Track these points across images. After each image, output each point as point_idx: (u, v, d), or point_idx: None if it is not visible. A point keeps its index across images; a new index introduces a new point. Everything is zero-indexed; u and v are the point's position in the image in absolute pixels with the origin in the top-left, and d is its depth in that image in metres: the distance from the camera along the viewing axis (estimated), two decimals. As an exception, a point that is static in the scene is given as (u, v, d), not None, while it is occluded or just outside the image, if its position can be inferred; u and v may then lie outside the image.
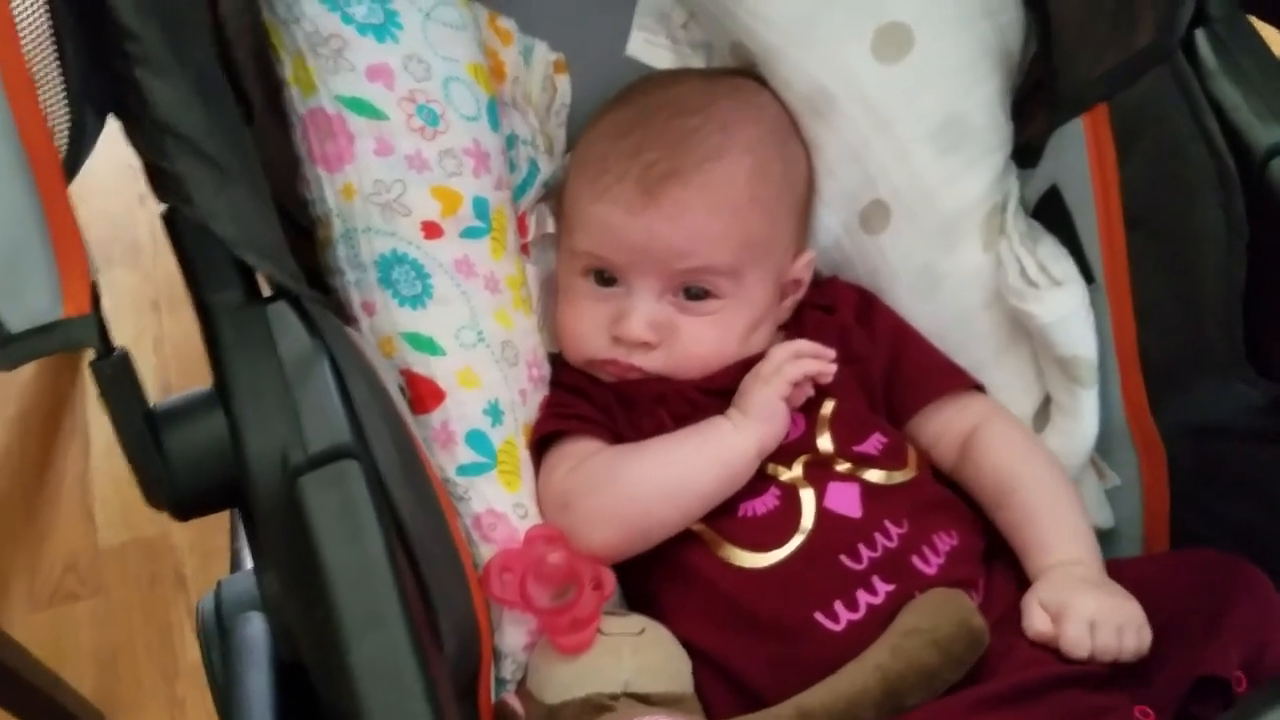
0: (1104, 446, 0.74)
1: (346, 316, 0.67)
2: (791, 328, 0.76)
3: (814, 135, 0.76)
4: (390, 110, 0.66)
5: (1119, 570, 0.66)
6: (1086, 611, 0.60)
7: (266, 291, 0.56)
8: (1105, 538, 0.76)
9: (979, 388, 0.74)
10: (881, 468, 0.69)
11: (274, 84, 0.68)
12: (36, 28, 0.48)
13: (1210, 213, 0.64)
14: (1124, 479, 0.75)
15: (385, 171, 0.66)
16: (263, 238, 0.54)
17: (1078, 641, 0.59)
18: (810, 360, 0.69)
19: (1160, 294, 0.69)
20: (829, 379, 0.70)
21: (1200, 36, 0.65)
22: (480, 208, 0.69)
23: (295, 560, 0.49)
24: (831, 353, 0.71)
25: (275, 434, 0.51)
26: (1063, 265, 0.72)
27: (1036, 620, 0.61)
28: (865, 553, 0.65)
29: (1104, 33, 0.69)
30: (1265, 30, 0.68)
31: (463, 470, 0.67)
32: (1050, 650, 0.61)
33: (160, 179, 0.52)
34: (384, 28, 0.67)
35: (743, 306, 0.71)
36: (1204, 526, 0.72)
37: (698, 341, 0.71)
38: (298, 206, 0.68)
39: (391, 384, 0.63)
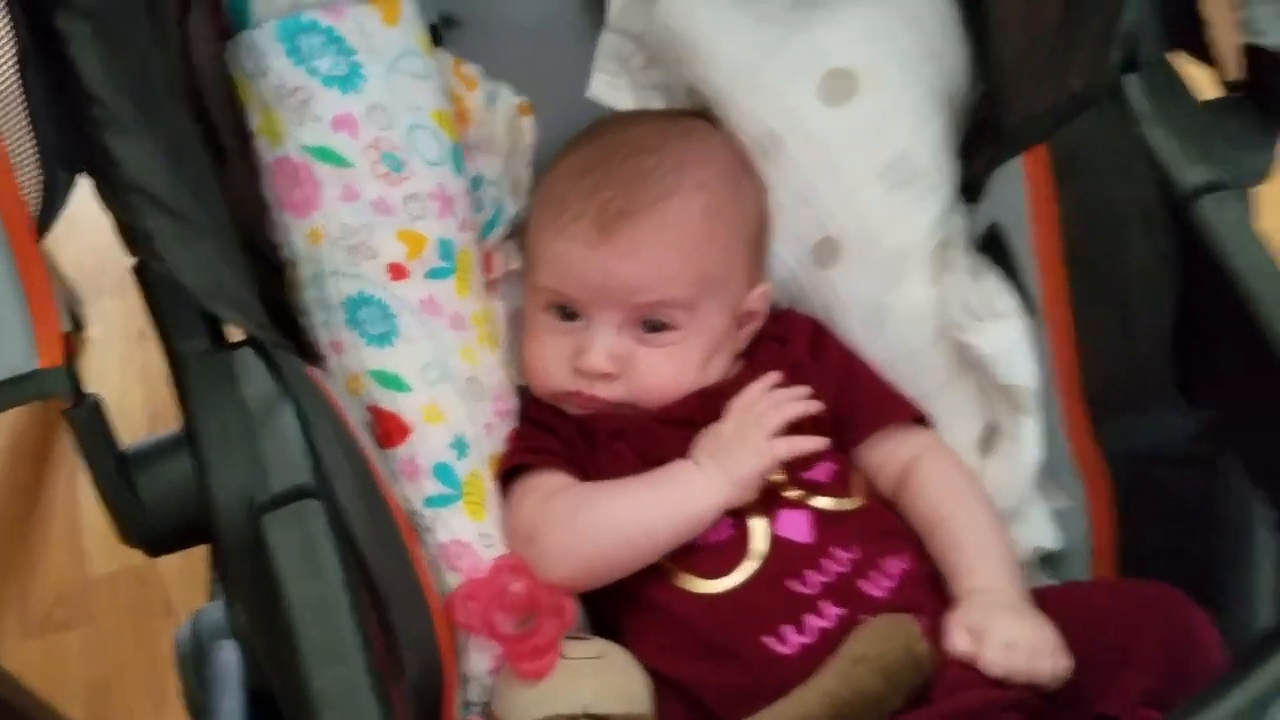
0: (1051, 470, 0.77)
1: (315, 355, 0.70)
2: (748, 358, 0.79)
3: (765, 175, 0.79)
4: (355, 158, 0.69)
5: (1045, 597, 0.69)
6: (1004, 634, 0.63)
7: (238, 336, 0.59)
8: (1055, 559, 0.79)
9: (923, 418, 0.77)
10: (830, 495, 0.72)
11: (245, 132, 0.71)
12: (7, 93, 0.51)
13: (1140, 250, 0.67)
14: (1069, 504, 0.77)
15: (351, 216, 0.69)
16: (228, 287, 0.57)
17: (994, 662, 0.62)
18: (805, 441, 0.70)
19: (1097, 327, 0.72)
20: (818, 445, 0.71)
21: (1130, 81, 0.68)
22: (445, 249, 0.72)
23: (260, 594, 0.52)
24: (819, 405, 0.73)
25: (239, 475, 0.53)
26: (1004, 298, 0.74)
27: (958, 640, 0.63)
28: (815, 578, 0.68)
29: (1040, 76, 0.72)
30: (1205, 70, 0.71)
31: (429, 502, 0.69)
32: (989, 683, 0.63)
33: (129, 234, 0.55)
34: (348, 79, 0.70)
35: (699, 337, 0.74)
36: (1148, 549, 0.75)
37: (656, 372, 0.74)
38: (269, 248, 0.71)
39: (358, 421, 0.66)
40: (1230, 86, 0.69)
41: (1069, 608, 0.67)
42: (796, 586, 0.67)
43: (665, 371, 0.74)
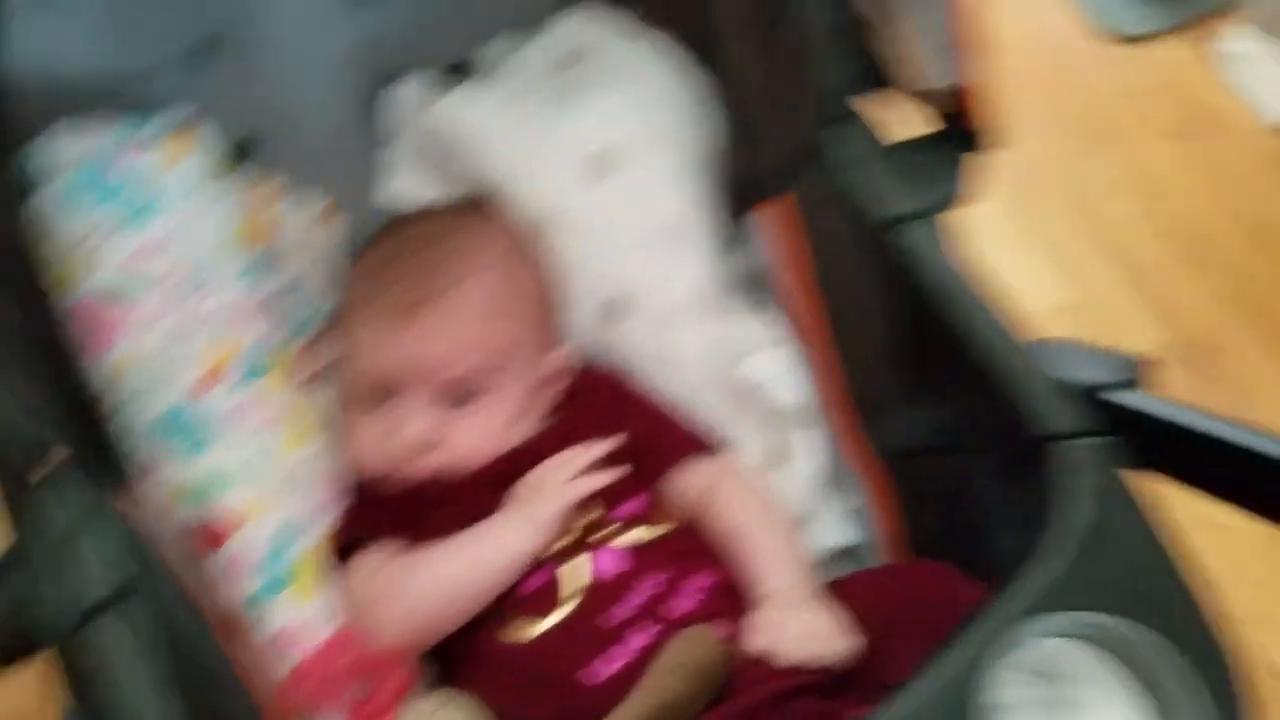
0: (839, 476, 0.86)
1: (134, 474, 0.75)
2: (557, 413, 0.86)
3: (550, 249, 0.87)
4: (155, 285, 0.75)
5: (837, 586, 0.77)
6: (794, 627, 0.70)
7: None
8: (854, 552, 0.87)
9: (718, 447, 0.85)
10: (643, 524, 0.79)
11: (49, 276, 0.76)
12: None
13: (861, 277, 0.77)
14: (860, 502, 0.86)
15: (155, 341, 0.74)
16: (42, 420, 0.62)
17: (786, 653, 0.69)
18: (598, 478, 0.79)
19: (846, 344, 0.82)
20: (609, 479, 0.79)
21: (838, 131, 0.78)
22: (254, 354, 0.78)
23: (88, 696, 0.57)
24: (609, 445, 0.80)
25: (61, 590, 0.58)
26: (769, 330, 0.84)
27: (754, 638, 0.71)
28: (632, 603, 0.74)
29: (771, 135, 0.83)
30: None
31: (261, 591, 0.74)
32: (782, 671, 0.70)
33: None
34: (146, 210, 0.76)
35: (504, 403, 0.81)
36: (929, 532, 0.84)
37: (468, 439, 0.80)
38: (82, 380, 0.76)
39: (178, 531, 0.71)
40: (945, 121, 0.80)
41: (856, 594, 0.76)
42: (608, 619, 0.73)
43: (476, 437, 0.81)
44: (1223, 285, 1.84)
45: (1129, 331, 1.75)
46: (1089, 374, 0.73)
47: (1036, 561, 0.62)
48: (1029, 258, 1.83)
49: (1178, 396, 1.88)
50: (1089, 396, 0.71)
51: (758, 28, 0.77)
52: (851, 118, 0.78)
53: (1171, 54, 2.21)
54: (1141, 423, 0.72)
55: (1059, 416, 0.66)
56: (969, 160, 0.75)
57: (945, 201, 0.73)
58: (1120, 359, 0.76)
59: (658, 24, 0.90)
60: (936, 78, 0.73)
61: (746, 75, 0.82)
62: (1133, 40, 2.19)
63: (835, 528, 0.86)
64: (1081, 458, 0.65)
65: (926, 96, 0.75)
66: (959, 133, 0.74)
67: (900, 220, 0.73)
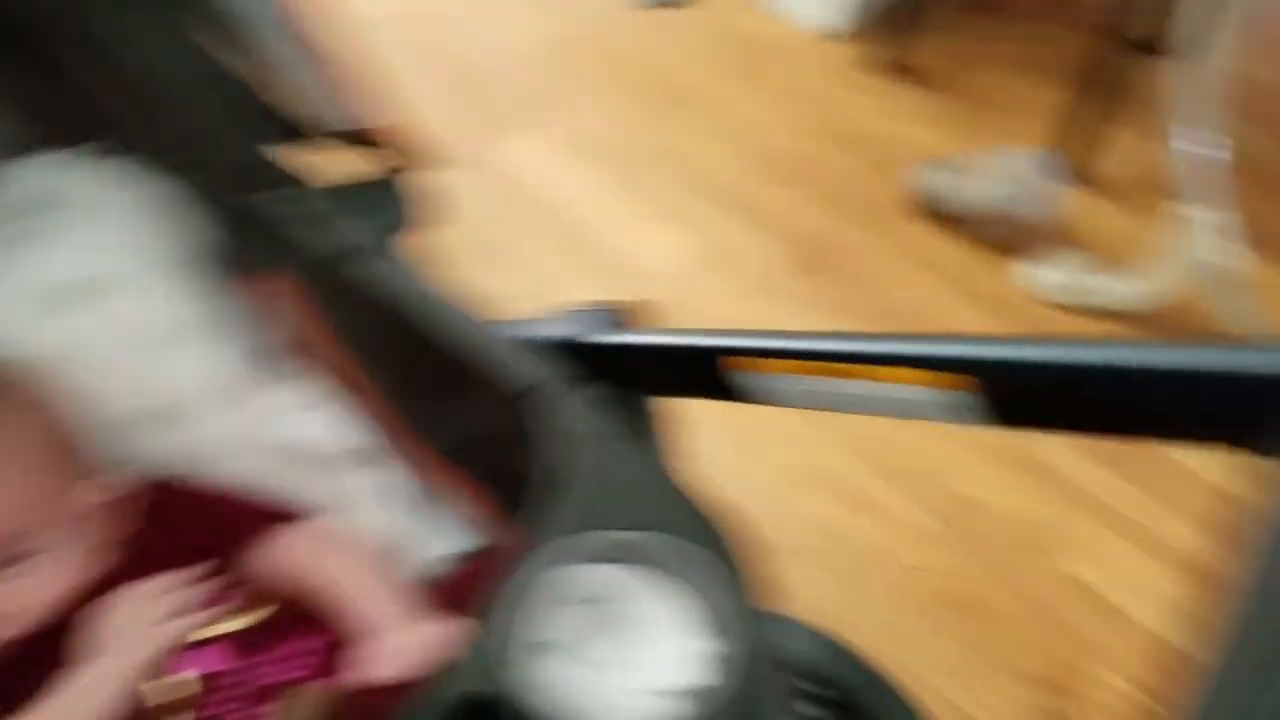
0: (431, 493, 0.90)
1: None
2: (126, 541, 0.85)
3: (67, 388, 0.86)
4: None
5: (444, 590, 0.82)
6: (387, 649, 0.75)
7: None
8: (479, 556, 0.92)
9: (296, 514, 0.88)
10: (242, 614, 0.81)
11: None
12: None
13: (356, 314, 0.81)
14: (462, 509, 0.91)
15: None
16: None
17: (387, 674, 0.73)
18: (190, 620, 0.78)
19: (381, 377, 0.86)
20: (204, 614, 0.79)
21: (275, 195, 0.82)
22: None
23: None
24: (191, 572, 0.81)
25: None
26: (304, 392, 0.87)
27: (355, 672, 0.75)
28: (235, 690, 0.76)
29: (233, 213, 0.85)
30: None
31: None
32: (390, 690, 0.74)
33: None
34: None
35: (50, 554, 0.80)
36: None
37: (23, 602, 0.78)
38: None
39: None
40: (378, 155, 0.84)
41: (461, 589, 0.81)
42: (229, 708, 0.75)
43: (31, 597, 0.79)
44: (821, 192, 2.04)
45: (756, 260, 1.91)
46: (573, 329, 0.81)
47: (533, 502, 0.68)
48: (653, 226, 1.96)
49: (812, 300, 2.06)
50: (570, 347, 0.78)
51: (174, 129, 0.80)
52: (280, 176, 0.82)
53: (716, 2, 2.42)
54: (624, 355, 0.80)
55: (528, 371, 0.72)
56: (405, 186, 0.81)
57: (391, 227, 0.78)
58: (605, 308, 0.84)
59: (109, 153, 0.91)
60: (340, 120, 0.78)
61: (195, 172, 0.85)
62: (672, 5, 2.38)
63: (444, 539, 0.90)
64: (559, 401, 0.72)
65: (345, 137, 0.80)
66: (391, 165, 0.80)
67: (351, 255, 0.77)
